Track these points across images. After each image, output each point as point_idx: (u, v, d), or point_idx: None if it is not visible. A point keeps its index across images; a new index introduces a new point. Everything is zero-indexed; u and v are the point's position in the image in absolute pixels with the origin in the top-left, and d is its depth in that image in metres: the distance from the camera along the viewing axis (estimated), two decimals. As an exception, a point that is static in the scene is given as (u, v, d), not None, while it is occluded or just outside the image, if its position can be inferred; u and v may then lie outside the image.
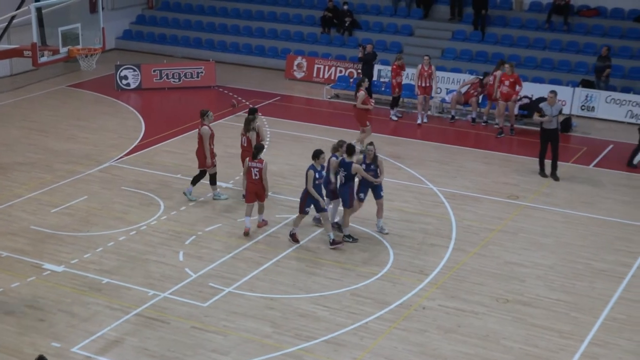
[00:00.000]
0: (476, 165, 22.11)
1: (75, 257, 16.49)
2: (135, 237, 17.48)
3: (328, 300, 15.00)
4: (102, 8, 20.12)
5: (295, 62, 31.14)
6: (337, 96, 28.78)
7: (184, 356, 13.31)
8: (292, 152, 22.64)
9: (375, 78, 28.37)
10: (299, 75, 31.03)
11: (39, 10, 18.46)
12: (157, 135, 24.08)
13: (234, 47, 33.70)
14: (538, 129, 21.33)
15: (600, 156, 23.17)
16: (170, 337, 13.82)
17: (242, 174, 18.36)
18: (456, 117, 26.37)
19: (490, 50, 30.37)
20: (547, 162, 21.18)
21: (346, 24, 32.61)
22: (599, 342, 13.81)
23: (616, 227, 18.38)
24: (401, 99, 27.00)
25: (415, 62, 27.46)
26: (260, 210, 18.05)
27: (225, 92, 28.86)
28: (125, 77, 29.29)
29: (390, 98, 26.68)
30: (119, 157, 22.24)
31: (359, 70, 28.32)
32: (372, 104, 22.97)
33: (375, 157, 17.40)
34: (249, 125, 19.19)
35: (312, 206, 17.01)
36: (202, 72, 29.80)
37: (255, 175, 17.49)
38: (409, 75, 27.30)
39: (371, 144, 17.66)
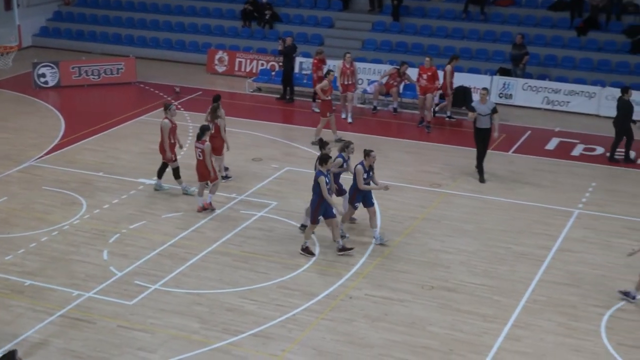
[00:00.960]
0: (399, 155, 22.29)
1: (-4, 260, 16.15)
2: (58, 237, 17.18)
3: (255, 293, 14.98)
4: (18, 5, 19.77)
5: (217, 56, 30.95)
6: (259, 89, 28.70)
7: (110, 356, 13.14)
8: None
9: (296, 70, 28.41)
10: (220, 69, 30.85)
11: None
12: (78, 133, 23.67)
13: (154, 42, 33.31)
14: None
15: (519, 142, 23.59)
16: (96, 337, 13.63)
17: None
18: (378, 108, 26.55)
19: (409, 40, 30.64)
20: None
21: (266, 17, 32.53)
22: (521, 324, 14.09)
23: (535, 211, 18.76)
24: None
25: (336, 54, 27.54)
26: (212, 190, 18.25)
27: (147, 88, 28.52)
28: (43, 75, 28.69)
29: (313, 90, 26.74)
30: (39, 156, 21.80)
31: (281, 63, 28.29)
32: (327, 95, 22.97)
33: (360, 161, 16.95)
34: (215, 112, 19.57)
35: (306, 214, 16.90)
36: (122, 68, 29.38)
37: (199, 155, 18.03)
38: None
39: (351, 143, 17.48)
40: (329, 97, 22.89)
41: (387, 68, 27.44)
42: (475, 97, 22.23)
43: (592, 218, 18.40)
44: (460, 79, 26.27)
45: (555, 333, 13.85)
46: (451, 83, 25.22)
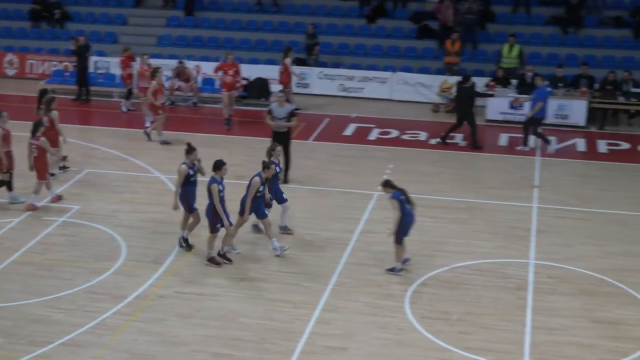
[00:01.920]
0: (200, 150, 22.10)
1: None
2: None
3: (62, 301, 14.49)
4: None
5: (6, 59, 29.71)
6: (53, 91, 27.69)
7: None
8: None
9: (91, 70, 27.71)
10: (10, 72, 29.64)
11: None
12: None
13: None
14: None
15: (318, 130, 24.09)
16: None
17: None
18: (176, 103, 26.34)
19: (205, 34, 30.58)
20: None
21: (56, 17, 31.47)
22: (330, 307, 14.40)
23: (338, 196, 19.22)
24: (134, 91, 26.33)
25: (134, 51, 27.04)
26: (36, 190, 17.91)
27: None
28: None
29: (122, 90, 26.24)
30: None
31: (74, 63, 27.45)
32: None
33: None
34: (49, 105, 19.46)
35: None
36: None
37: (34, 151, 17.76)
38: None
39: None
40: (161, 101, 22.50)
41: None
42: (275, 90, 22.36)
43: (391, 199, 19.05)
44: (257, 71, 26.50)
45: (362, 313, 14.25)
46: (291, 75, 25.15)
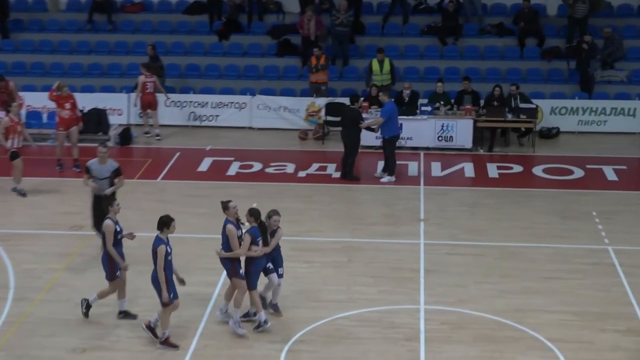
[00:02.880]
0: (31, 198, 21.52)
1: None
2: None
3: None
4: None
5: None
6: None
7: None
8: None
9: None
10: None
11: None
12: None
13: None
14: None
15: (167, 167, 23.79)
16: None
17: None
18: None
19: (28, 60, 29.84)
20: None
21: None
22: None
23: (195, 243, 18.89)
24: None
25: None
26: None
27: None
28: None
29: None
30: None
31: None
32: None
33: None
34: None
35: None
36: None
37: None
38: None
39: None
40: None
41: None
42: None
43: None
44: (93, 100, 26.02)
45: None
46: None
